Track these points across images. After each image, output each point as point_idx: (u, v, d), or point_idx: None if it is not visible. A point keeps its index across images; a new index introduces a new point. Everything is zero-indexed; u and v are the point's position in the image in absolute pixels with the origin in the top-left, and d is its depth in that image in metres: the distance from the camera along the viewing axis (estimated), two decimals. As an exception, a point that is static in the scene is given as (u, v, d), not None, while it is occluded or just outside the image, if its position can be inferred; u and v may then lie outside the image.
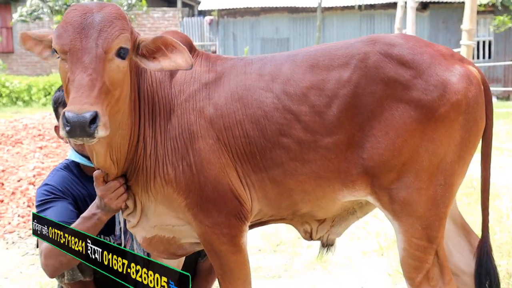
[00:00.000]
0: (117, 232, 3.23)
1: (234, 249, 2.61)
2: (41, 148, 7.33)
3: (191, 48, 2.69)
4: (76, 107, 2.09)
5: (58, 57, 2.30)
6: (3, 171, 6.74)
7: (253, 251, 5.06)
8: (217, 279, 2.79)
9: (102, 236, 3.29)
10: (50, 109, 16.20)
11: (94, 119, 2.10)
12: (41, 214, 3.00)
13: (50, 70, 23.95)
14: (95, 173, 2.65)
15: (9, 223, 5.90)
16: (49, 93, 19.52)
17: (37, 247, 3.17)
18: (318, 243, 5.04)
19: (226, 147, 2.54)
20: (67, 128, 2.09)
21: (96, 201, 2.74)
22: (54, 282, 4.38)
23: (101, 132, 2.13)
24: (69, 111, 2.08)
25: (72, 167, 3.30)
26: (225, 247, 2.60)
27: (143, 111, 2.58)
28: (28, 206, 6.21)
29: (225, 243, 2.59)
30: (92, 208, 2.75)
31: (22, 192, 6.39)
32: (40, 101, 19.28)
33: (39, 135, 7.62)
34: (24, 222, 5.95)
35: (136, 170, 2.61)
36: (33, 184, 6.53)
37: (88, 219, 2.76)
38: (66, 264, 2.86)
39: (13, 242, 5.54)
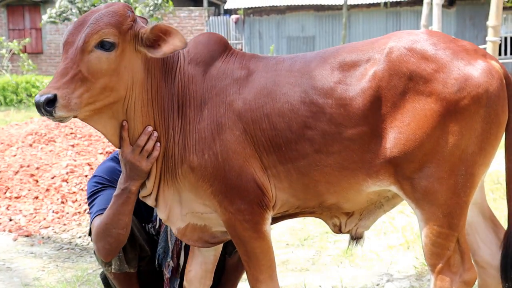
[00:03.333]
0: (154, 213, 3.35)
1: (256, 235, 2.74)
2: (73, 146, 7.47)
3: (226, 47, 2.86)
4: (42, 91, 2.47)
5: None
6: (37, 168, 6.91)
7: (281, 245, 5.17)
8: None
9: (143, 224, 3.42)
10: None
11: (51, 101, 2.45)
12: (92, 205, 3.21)
13: (78, 70, 24.20)
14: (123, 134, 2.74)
15: (44, 219, 6.05)
16: (78, 93, 19.75)
17: (90, 235, 3.33)
18: (344, 237, 5.14)
19: (252, 139, 2.68)
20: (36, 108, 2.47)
21: (123, 173, 2.82)
22: (90, 274, 4.55)
23: (59, 112, 2.48)
24: (37, 94, 2.47)
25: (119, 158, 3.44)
26: (248, 233, 2.73)
27: (173, 103, 2.75)
28: (62, 202, 6.37)
29: (248, 229, 2.73)
30: (120, 184, 2.83)
31: (56, 189, 6.54)
32: (69, 101, 19.50)
33: (71, 133, 7.75)
34: (59, 218, 6.10)
35: (165, 157, 2.77)
36: (66, 181, 6.68)
37: (119, 196, 2.84)
38: (114, 243, 2.95)
39: (48, 237, 5.70)
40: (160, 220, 3.33)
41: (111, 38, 2.57)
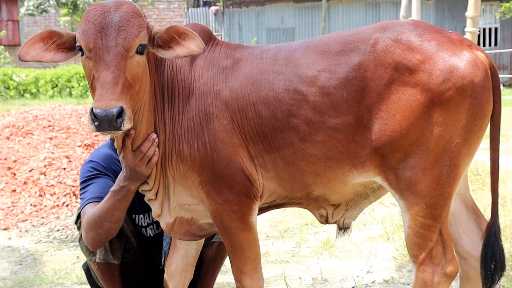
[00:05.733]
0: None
1: (243, 226, 2.73)
2: (51, 138, 7.38)
3: (210, 38, 2.85)
4: (103, 103, 2.30)
5: (82, 55, 2.48)
6: (15, 161, 6.83)
7: (261, 237, 5.14)
8: (228, 258, 2.88)
9: (136, 216, 3.39)
10: (58, 101, 16.30)
11: (120, 113, 2.32)
12: (84, 190, 3.18)
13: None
14: (127, 142, 2.68)
15: (22, 212, 6.00)
16: (56, 85, 19.60)
17: (76, 223, 3.29)
18: (324, 229, 5.15)
19: (239, 128, 2.67)
20: (96, 123, 2.31)
21: (123, 172, 2.78)
22: (68, 268, 4.50)
23: (126, 125, 2.35)
24: (97, 108, 2.29)
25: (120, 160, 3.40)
26: (235, 224, 2.72)
27: (164, 95, 2.73)
28: (40, 195, 6.31)
29: (235, 220, 2.71)
30: (119, 181, 2.80)
31: (33, 182, 6.47)
32: (47, 93, 19.36)
33: (49, 126, 7.65)
34: (37, 211, 6.05)
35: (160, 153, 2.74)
36: (44, 174, 6.61)
37: (117, 192, 2.81)
38: (105, 235, 2.93)
39: (26, 230, 5.64)
40: None
41: (145, 41, 2.50)
